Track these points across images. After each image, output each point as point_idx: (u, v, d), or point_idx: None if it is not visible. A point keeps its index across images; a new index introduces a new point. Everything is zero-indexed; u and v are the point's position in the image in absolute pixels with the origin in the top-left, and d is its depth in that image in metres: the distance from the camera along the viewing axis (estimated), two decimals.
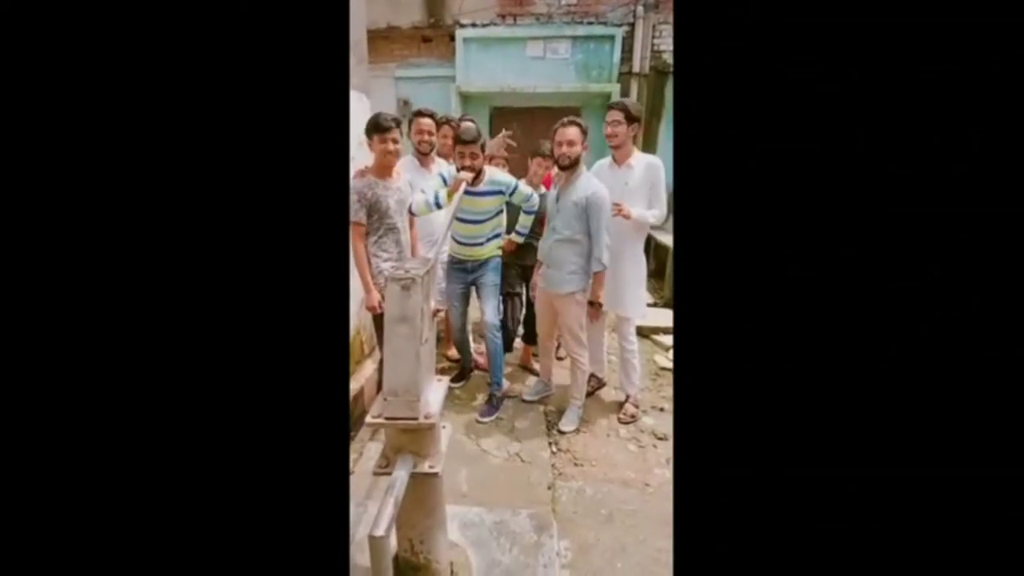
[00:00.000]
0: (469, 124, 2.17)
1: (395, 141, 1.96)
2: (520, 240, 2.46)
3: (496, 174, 2.27)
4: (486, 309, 2.37)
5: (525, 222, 2.41)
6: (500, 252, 2.45)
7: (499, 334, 2.39)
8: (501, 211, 2.38)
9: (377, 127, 1.93)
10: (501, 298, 2.46)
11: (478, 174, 2.17)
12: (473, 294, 2.50)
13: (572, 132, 2.06)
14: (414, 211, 2.14)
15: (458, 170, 2.12)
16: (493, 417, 2.37)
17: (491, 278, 2.40)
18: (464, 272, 2.43)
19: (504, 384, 2.52)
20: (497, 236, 2.43)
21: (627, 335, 2.38)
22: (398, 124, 1.98)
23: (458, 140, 2.11)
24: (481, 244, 2.36)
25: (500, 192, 2.26)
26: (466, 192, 2.08)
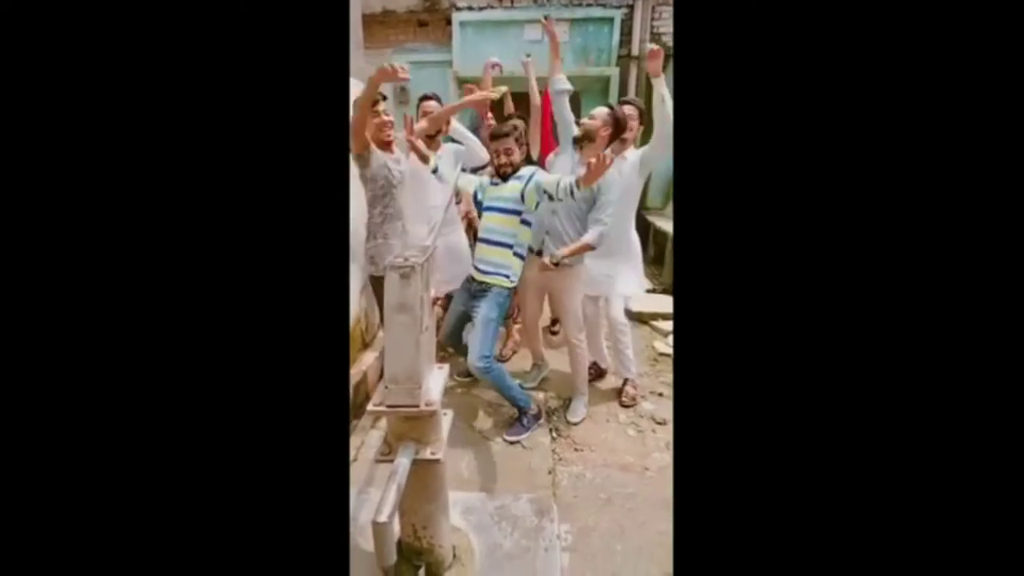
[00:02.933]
0: (501, 125, 2.03)
1: (385, 112, 2.01)
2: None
3: (528, 183, 1.97)
4: (471, 347, 1.99)
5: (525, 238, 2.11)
6: (507, 283, 2.05)
7: (491, 371, 2.01)
8: (512, 245, 2.04)
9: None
10: (496, 334, 2.07)
11: (514, 169, 2.01)
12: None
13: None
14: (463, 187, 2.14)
15: (495, 167, 2.06)
16: (525, 436, 2.13)
17: (485, 311, 2.01)
18: (467, 293, 2.14)
19: (532, 405, 2.21)
20: (503, 274, 2.04)
21: (617, 319, 2.36)
22: (384, 97, 2.02)
23: (492, 136, 2.03)
24: (482, 271, 2.06)
25: (516, 212, 2.00)
26: (486, 208, 2.04)
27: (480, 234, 2.12)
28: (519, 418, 2.17)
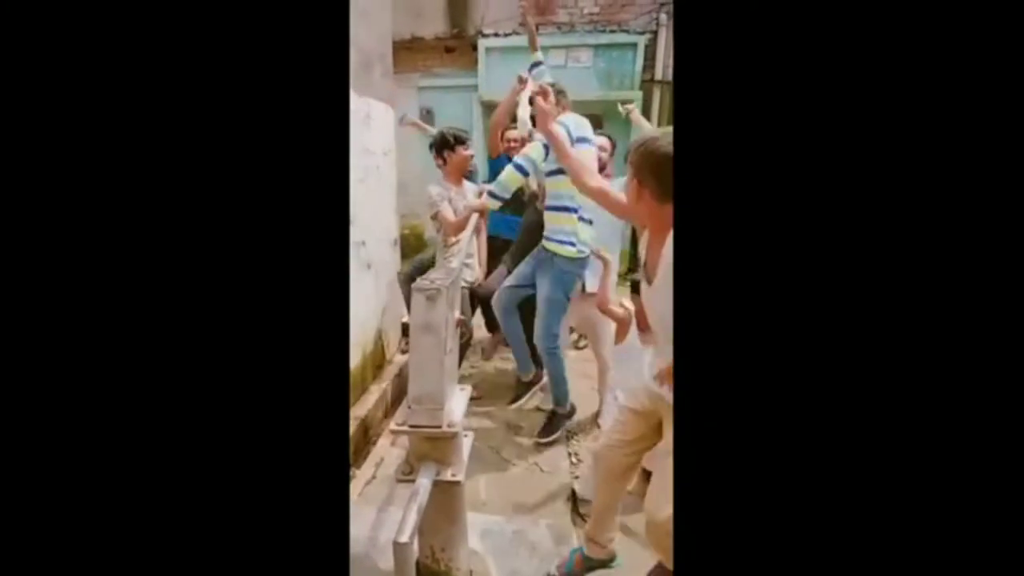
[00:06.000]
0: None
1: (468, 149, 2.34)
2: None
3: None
4: (537, 326, 1.97)
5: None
6: (572, 252, 1.90)
7: (556, 353, 1.99)
8: (577, 209, 1.90)
9: (453, 141, 2.32)
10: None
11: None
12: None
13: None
14: (497, 192, 1.76)
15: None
16: (557, 435, 2.16)
17: (548, 289, 1.91)
18: (530, 267, 2.01)
19: (569, 405, 2.19)
20: (568, 242, 1.90)
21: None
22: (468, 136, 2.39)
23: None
24: (549, 239, 1.92)
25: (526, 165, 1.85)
26: (552, 172, 1.92)
27: (548, 201, 1.99)
28: (553, 418, 2.16)
